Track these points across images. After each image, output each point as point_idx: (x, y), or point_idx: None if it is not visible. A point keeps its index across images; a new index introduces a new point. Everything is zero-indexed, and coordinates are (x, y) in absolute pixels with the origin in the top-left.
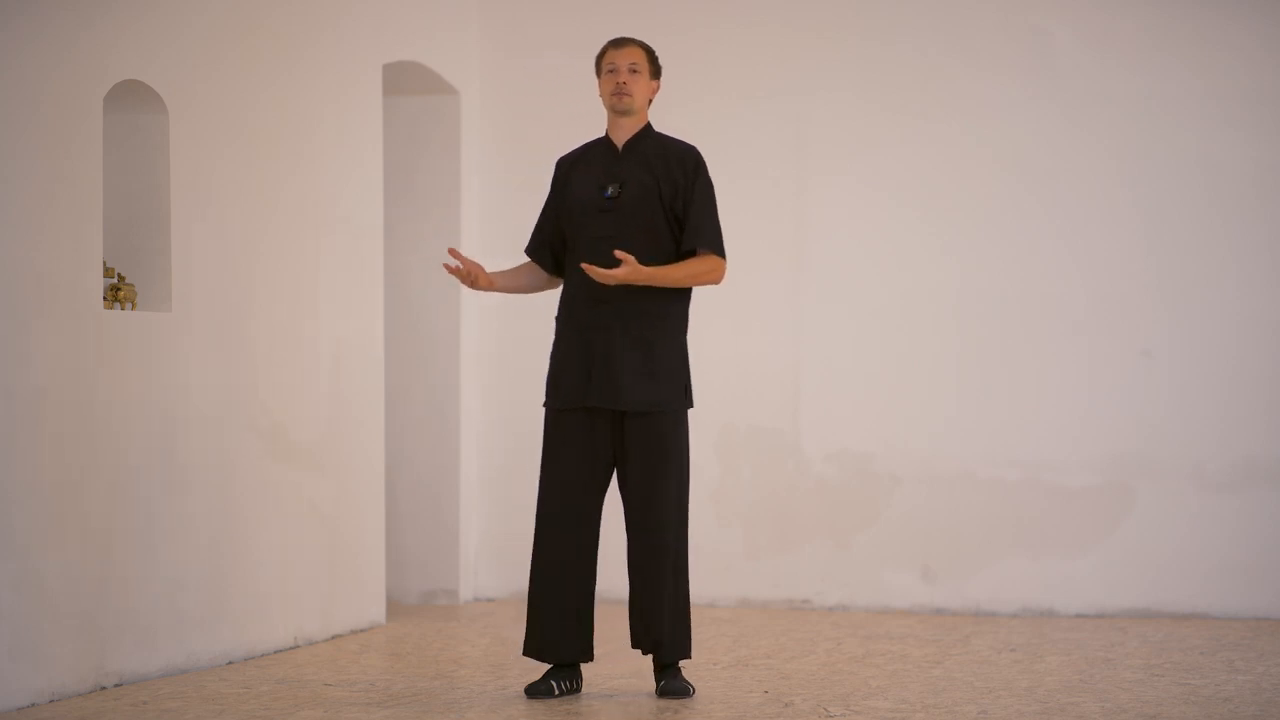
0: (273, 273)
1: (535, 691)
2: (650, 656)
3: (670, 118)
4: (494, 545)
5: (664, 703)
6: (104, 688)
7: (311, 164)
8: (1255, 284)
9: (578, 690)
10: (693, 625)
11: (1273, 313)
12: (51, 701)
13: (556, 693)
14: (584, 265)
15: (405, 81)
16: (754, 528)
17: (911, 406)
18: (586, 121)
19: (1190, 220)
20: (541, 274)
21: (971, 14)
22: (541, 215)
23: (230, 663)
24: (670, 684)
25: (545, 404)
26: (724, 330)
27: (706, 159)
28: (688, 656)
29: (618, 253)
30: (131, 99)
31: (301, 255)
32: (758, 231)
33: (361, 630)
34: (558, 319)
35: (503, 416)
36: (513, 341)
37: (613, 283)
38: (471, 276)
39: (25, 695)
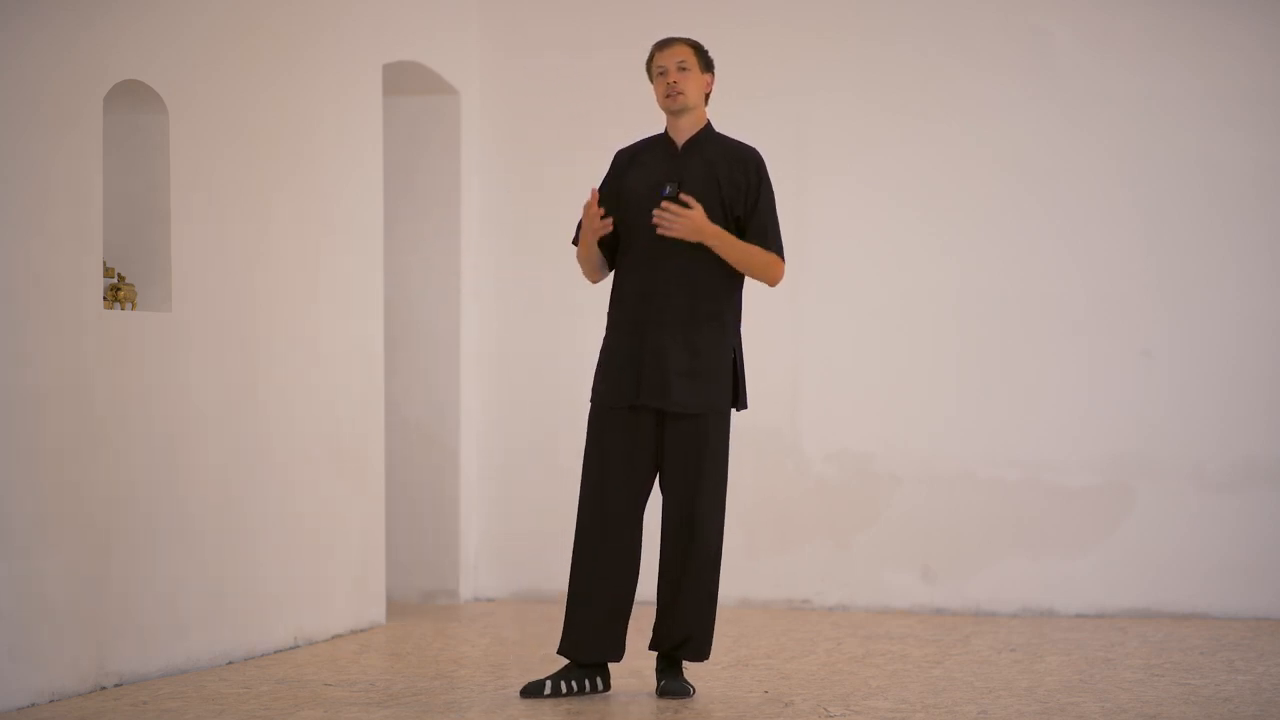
0: (273, 272)
1: (529, 691)
2: (654, 655)
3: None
4: (494, 545)
5: (664, 703)
6: (104, 688)
7: (311, 164)
8: (1255, 284)
9: (607, 688)
10: None
11: (1273, 313)
12: (51, 701)
13: (547, 692)
14: (657, 213)
15: (405, 81)
16: (754, 528)
17: (911, 406)
18: (587, 121)
19: (1190, 220)
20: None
21: (971, 14)
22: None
23: (230, 663)
24: (671, 684)
25: (592, 399)
26: None
27: None
28: (706, 658)
29: (685, 196)
30: (131, 99)
31: (301, 255)
32: None
33: (361, 630)
34: (608, 313)
35: (503, 416)
36: (513, 341)
37: (681, 227)
38: (600, 224)
39: (25, 695)
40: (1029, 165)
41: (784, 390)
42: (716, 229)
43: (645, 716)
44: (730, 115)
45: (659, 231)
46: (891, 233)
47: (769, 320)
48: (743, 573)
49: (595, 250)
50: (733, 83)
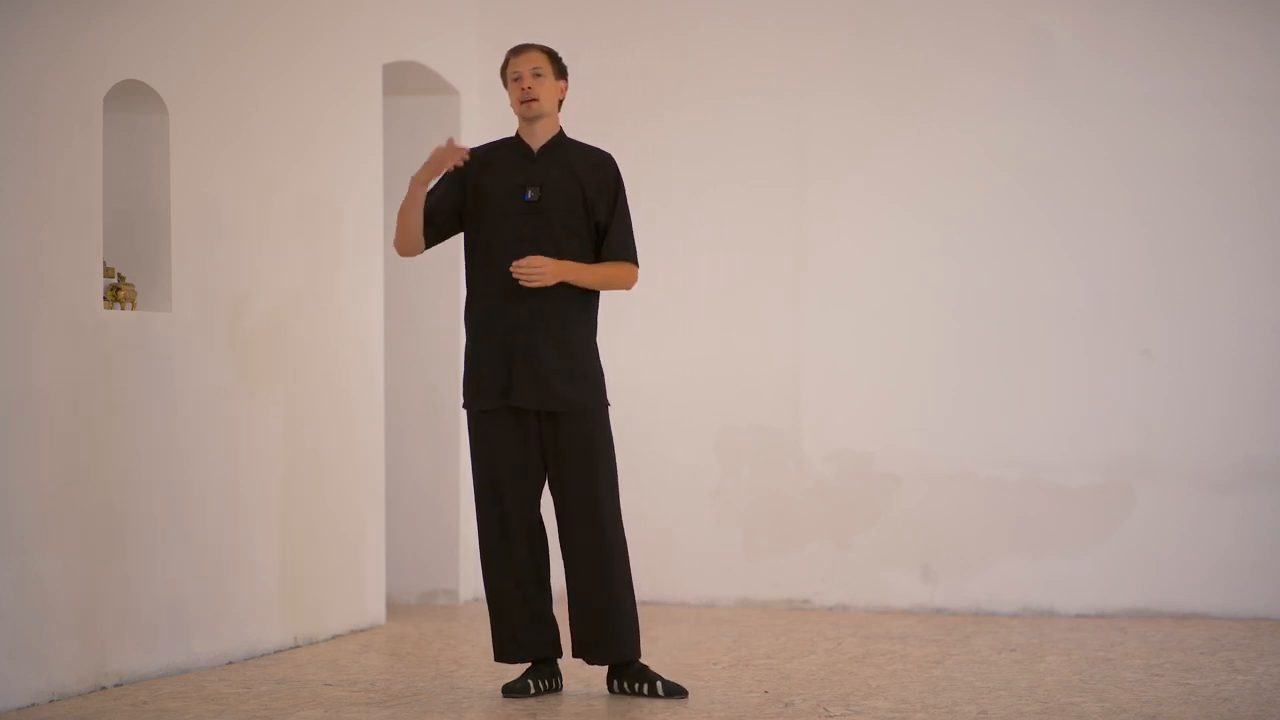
0: (272, 272)
1: (512, 690)
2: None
3: (670, 118)
4: None
5: (664, 703)
6: (104, 688)
7: (311, 164)
8: (1255, 284)
9: (559, 689)
10: (682, 626)
11: (1273, 313)
12: (51, 701)
13: (533, 691)
14: (514, 268)
15: (405, 81)
16: (754, 528)
17: (911, 406)
18: (585, 121)
19: (1190, 220)
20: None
21: (971, 14)
22: (434, 190)
23: (230, 663)
24: (667, 683)
25: (465, 406)
26: (724, 330)
27: (707, 159)
28: (638, 656)
29: (533, 260)
30: (131, 99)
31: (301, 255)
32: (757, 232)
33: (361, 630)
34: (468, 319)
35: None
36: None
37: (541, 279)
38: (456, 154)
39: (25, 695)
40: (1029, 165)
41: (784, 390)
42: (571, 265)
43: (645, 717)
44: (730, 115)
45: (523, 284)
46: (891, 233)
47: (769, 320)
48: (743, 573)
49: (419, 214)
50: (733, 83)
